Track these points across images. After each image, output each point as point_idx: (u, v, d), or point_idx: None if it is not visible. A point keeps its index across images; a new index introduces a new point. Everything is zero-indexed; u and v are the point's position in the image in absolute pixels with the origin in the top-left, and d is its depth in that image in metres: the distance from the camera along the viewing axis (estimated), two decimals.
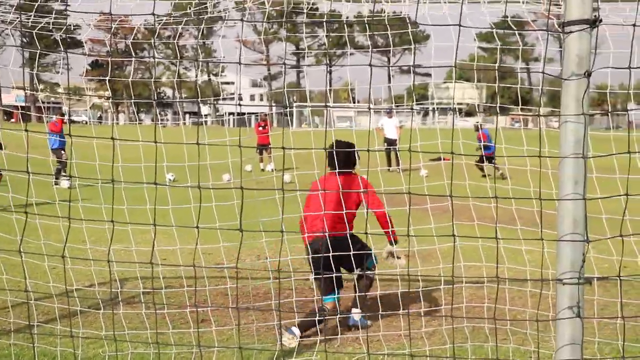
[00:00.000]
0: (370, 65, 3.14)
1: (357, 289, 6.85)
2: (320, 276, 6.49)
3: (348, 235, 6.48)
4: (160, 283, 7.83)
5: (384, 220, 6.78)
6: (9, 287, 6.82)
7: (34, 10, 7.58)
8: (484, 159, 21.45)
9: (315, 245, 6.53)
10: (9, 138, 6.18)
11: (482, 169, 22.16)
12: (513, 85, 7.43)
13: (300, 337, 6.20)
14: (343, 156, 6.80)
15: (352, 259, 6.45)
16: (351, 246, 6.37)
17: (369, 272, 6.83)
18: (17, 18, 8.56)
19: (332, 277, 6.35)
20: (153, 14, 4.00)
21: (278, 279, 7.65)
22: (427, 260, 9.01)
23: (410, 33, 6.44)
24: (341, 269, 6.64)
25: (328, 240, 6.25)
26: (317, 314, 6.39)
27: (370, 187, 6.90)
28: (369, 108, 3.65)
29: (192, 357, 5.63)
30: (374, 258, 6.85)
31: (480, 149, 22.04)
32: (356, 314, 6.82)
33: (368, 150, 3.59)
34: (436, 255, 8.21)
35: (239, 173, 17.20)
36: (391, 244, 6.87)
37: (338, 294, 6.60)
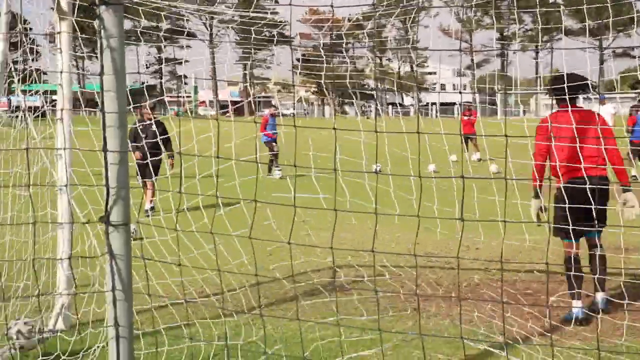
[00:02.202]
0: (603, 48, 2.99)
1: (594, 270, 6.39)
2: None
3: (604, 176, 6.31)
4: (374, 271, 7.94)
5: (619, 161, 6.37)
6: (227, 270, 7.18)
7: (252, 8, 7.93)
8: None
9: (578, 184, 6.11)
10: (227, 131, 6.51)
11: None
12: None
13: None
14: (576, 87, 6.45)
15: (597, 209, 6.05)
16: (607, 197, 6.26)
17: (599, 248, 6.42)
18: (233, 18, 8.99)
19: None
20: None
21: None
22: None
23: (635, 13, 6.07)
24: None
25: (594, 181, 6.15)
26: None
27: (608, 127, 6.51)
28: (599, 93, 3.48)
29: (406, 345, 5.66)
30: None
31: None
32: (602, 298, 6.44)
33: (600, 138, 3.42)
34: None
35: (444, 164, 17.09)
36: (625, 190, 6.35)
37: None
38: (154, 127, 11.98)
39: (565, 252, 6.44)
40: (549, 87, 6.59)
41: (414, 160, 6.98)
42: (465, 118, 25.57)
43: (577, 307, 6.30)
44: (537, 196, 6.55)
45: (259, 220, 7.05)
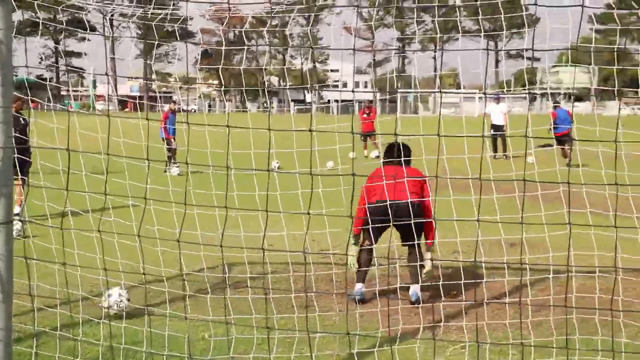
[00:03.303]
0: (487, 49, 3.09)
1: (410, 266, 7.24)
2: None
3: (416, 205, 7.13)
4: (268, 268, 7.95)
5: (431, 224, 7.25)
6: (126, 270, 7.05)
7: (153, 2, 7.80)
8: (555, 140, 20.76)
9: (386, 206, 6.94)
10: (124, 127, 6.41)
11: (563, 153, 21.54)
12: (630, 67, 7.13)
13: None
14: (406, 152, 7.66)
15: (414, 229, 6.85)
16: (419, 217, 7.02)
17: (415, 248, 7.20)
18: (133, 12, 8.82)
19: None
20: (269, 2, 4.05)
21: (387, 265, 7.64)
22: (535, 249, 8.80)
23: (524, 17, 6.30)
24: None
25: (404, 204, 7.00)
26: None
27: (426, 184, 7.47)
28: (485, 93, 3.60)
29: (296, 342, 5.70)
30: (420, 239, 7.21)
31: (553, 129, 21.49)
32: (414, 290, 7.13)
33: (483, 136, 3.53)
34: (544, 244, 8.02)
35: (343, 160, 17.29)
36: (428, 249, 7.35)
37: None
38: (22, 120, 11.41)
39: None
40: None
41: (315, 156, 7.03)
42: (365, 115, 25.90)
43: (357, 289, 7.19)
44: (356, 243, 7.42)
45: (157, 219, 6.98)
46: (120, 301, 6.52)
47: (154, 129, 20.09)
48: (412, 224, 6.74)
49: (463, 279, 6.72)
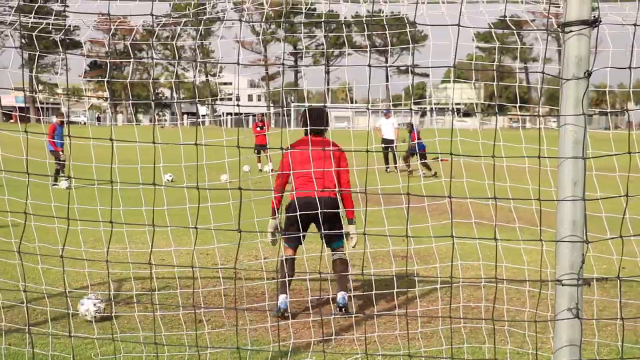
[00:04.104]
0: (369, 65, 3.12)
1: (335, 273, 7.03)
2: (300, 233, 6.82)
3: (334, 199, 6.89)
4: (156, 284, 7.79)
5: (349, 195, 7.04)
6: (4, 288, 6.78)
7: (34, 11, 7.55)
8: (418, 156, 22.39)
9: (307, 201, 6.77)
10: (8, 139, 6.17)
11: (408, 166, 23.46)
12: (511, 84, 7.42)
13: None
14: (320, 120, 7.11)
15: (334, 225, 6.79)
16: (336, 214, 6.87)
17: (340, 252, 7.04)
18: (17, 19, 8.53)
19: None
20: (152, 15, 3.98)
21: (276, 280, 7.62)
22: (424, 261, 8.98)
23: (408, 33, 6.44)
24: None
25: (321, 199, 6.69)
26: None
27: (344, 155, 7.12)
28: (368, 108, 3.64)
29: (186, 358, 5.61)
30: (344, 238, 7.07)
31: (412, 147, 22.89)
32: (341, 296, 6.93)
33: (367, 151, 3.56)
34: (434, 255, 8.19)
35: (236, 173, 17.22)
36: (350, 222, 7.05)
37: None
38: None
39: (284, 254, 7.12)
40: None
41: (208, 170, 6.95)
42: (258, 129, 25.92)
43: (281, 300, 6.86)
44: (274, 217, 7.20)
45: (39, 235, 6.73)
46: (95, 305, 6.58)
47: (39, 142, 19.42)
48: (333, 223, 6.67)
49: (353, 291, 6.78)
